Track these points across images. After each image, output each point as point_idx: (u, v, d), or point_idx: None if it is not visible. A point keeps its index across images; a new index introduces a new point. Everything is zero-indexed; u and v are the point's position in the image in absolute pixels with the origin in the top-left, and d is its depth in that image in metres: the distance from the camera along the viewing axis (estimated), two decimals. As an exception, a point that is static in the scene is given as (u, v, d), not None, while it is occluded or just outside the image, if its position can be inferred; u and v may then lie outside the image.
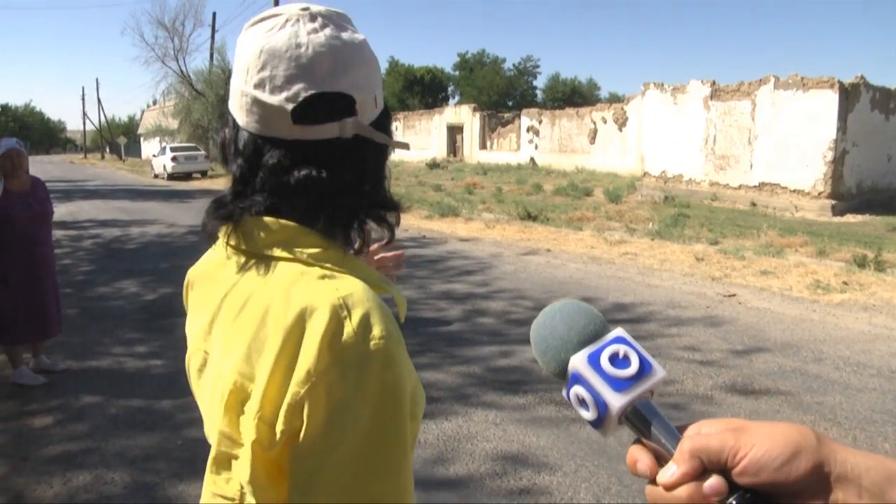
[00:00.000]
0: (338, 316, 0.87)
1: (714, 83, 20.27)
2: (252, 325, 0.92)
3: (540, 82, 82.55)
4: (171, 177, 34.51)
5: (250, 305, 0.94)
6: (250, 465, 0.90)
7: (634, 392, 0.65)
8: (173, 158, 34.48)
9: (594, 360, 0.67)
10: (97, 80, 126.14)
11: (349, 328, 0.86)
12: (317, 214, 0.96)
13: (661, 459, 0.63)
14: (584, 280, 9.12)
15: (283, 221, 0.95)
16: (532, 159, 32.95)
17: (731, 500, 0.58)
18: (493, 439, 4.41)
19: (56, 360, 5.84)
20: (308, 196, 0.95)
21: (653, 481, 0.62)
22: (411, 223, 15.20)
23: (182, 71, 40.10)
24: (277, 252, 0.95)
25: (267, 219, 0.96)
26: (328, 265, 0.94)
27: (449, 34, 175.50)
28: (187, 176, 34.72)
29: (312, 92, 0.94)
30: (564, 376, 0.69)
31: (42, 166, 48.48)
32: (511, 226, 14.26)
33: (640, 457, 0.64)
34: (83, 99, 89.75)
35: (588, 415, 0.67)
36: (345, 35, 0.99)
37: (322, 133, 0.96)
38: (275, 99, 0.95)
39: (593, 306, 0.73)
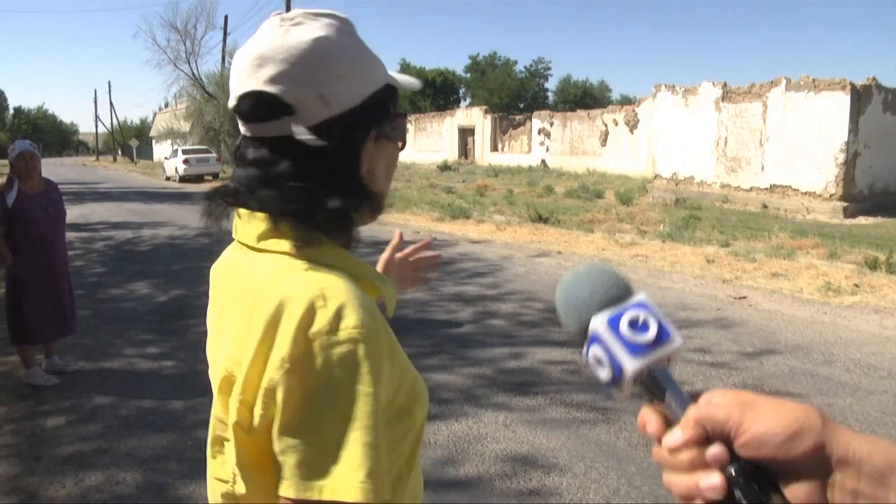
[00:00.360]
0: (313, 306, 0.89)
1: (725, 85, 20.20)
2: (243, 314, 0.96)
3: (551, 84, 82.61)
4: (183, 179, 34.63)
5: (243, 296, 0.99)
6: (235, 448, 0.94)
7: (650, 358, 0.66)
8: (185, 161, 34.59)
9: (614, 324, 0.68)
10: (109, 82, 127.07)
11: (323, 318, 0.88)
12: (309, 210, 0.98)
13: (671, 423, 0.65)
14: (595, 282, 9.11)
15: (275, 217, 0.98)
16: (543, 161, 32.95)
17: (730, 468, 0.59)
18: (502, 440, 4.42)
19: (68, 361, 5.89)
20: (283, 192, 0.98)
21: (661, 443, 0.64)
22: (423, 225, 15.23)
23: (194, 73, 40.29)
24: (270, 245, 0.99)
25: (260, 214, 1.00)
26: (316, 259, 0.97)
27: (460, 36, 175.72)
28: (199, 178, 34.84)
29: (241, 92, 1.00)
30: (585, 336, 0.70)
31: (54, 168, 48.80)
32: (522, 228, 14.26)
33: (650, 419, 0.66)
34: (95, 102, 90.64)
35: (604, 375, 0.68)
36: (291, 33, 1.00)
37: (271, 131, 1.00)
38: (231, 101, 1.04)
39: (618, 271, 0.73)
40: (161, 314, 7.59)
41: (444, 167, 33.92)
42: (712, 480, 0.59)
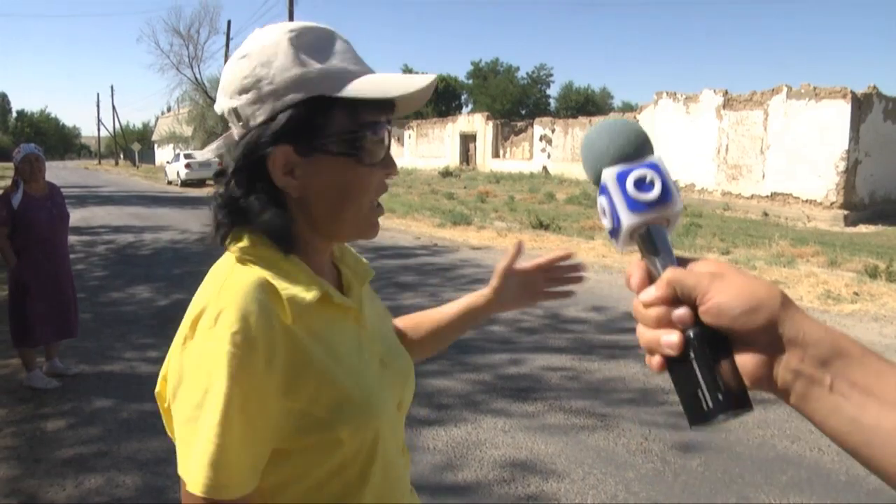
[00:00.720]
0: (205, 303, 0.96)
1: (726, 93, 20.27)
2: None
3: (553, 91, 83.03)
4: (185, 183, 34.68)
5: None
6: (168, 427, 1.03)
7: (648, 216, 0.69)
8: (187, 165, 34.65)
9: (621, 178, 0.71)
10: (112, 86, 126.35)
11: (206, 317, 0.94)
12: (241, 219, 1.04)
13: (654, 281, 0.69)
14: (595, 289, 9.12)
15: (241, 226, 1.04)
16: (545, 168, 32.95)
17: (690, 331, 0.65)
18: (501, 446, 4.43)
19: (69, 365, 5.90)
20: (219, 200, 1.05)
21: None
22: (424, 231, 15.24)
23: (197, 78, 40.42)
24: (230, 245, 1.04)
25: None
26: (252, 261, 1.01)
27: (463, 42, 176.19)
28: (201, 183, 34.87)
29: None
30: (598, 184, 0.74)
31: (56, 172, 48.85)
32: (523, 234, 14.27)
33: (635, 273, 0.71)
34: (98, 105, 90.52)
35: (606, 223, 0.72)
36: (239, 49, 1.06)
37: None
38: None
39: (644, 131, 0.76)
40: (162, 318, 7.59)
41: (446, 173, 33.92)
42: (671, 338, 0.65)
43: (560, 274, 1.49)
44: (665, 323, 0.66)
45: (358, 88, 0.99)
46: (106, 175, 52.78)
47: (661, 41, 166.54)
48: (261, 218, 1.01)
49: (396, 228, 15.52)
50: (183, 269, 10.65)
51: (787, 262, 10.79)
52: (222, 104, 1.04)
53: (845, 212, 17.11)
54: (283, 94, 0.99)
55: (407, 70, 71.44)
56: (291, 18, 32.54)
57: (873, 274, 9.63)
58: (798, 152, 18.05)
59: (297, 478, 1.00)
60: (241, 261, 1.02)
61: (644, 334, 0.68)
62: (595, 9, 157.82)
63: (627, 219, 0.69)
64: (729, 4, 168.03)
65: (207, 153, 1.09)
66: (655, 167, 0.71)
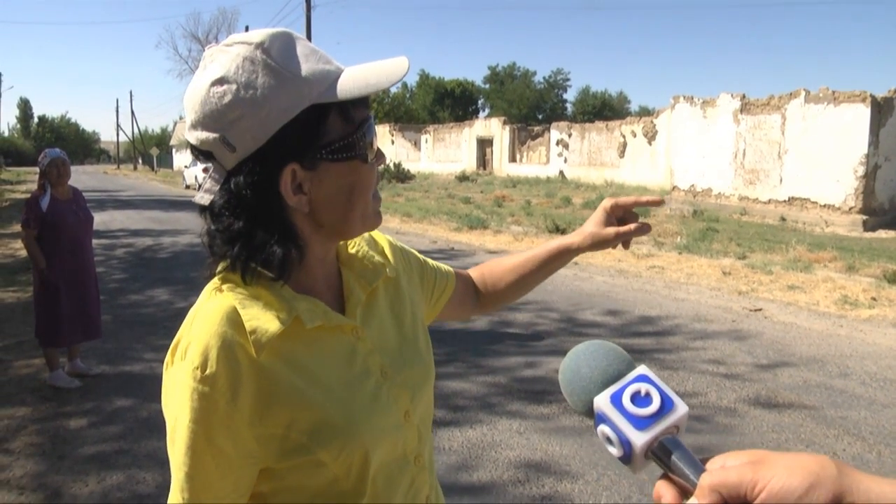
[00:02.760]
0: (181, 333, 1.00)
1: (744, 97, 20.18)
2: None
3: (570, 95, 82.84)
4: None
5: None
6: None
7: (657, 429, 0.67)
8: (205, 170, 34.76)
9: (616, 400, 0.69)
10: (131, 92, 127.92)
11: (178, 351, 0.98)
12: (230, 252, 1.03)
13: (687, 494, 0.64)
14: (611, 293, 9.14)
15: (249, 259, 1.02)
16: (561, 172, 32.94)
17: None
18: (516, 447, 4.47)
19: (90, 365, 6.00)
20: (211, 234, 1.06)
21: None
22: (440, 235, 15.30)
23: (215, 83, 40.64)
24: (217, 270, 1.07)
25: None
26: (232, 289, 1.02)
27: (480, 47, 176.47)
28: (219, 187, 35.07)
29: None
30: (592, 415, 0.72)
31: (76, 176, 49.02)
32: (539, 239, 14.29)
33: (664, 492, 0.66)
34: (117, 111, 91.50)
35: (615, 452, 0.70)
36: (199, 76, 1.01)
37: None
38: None
39: (619, 346, 0.76)
40: (180, 320, 7.65)
41: (463, 177, 33.96)
42: None
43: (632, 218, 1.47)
44: None
45: (347, 89, 0.98)
46: (125, 179, 53.24)
47: (678, 45, 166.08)
48: (268, 250, 0.99)
49: (413, 232, 15.58)
50: (201, 272, 10.72)
51: (804, 267, 10.75)
52: (203, 136, 0.99)
53: (864, 217, 16.98)
54: (276, 112, 0.95)
55: (424, 75, 71.61)
56: (309, 23, 32.73)
57: (892, 279, 9.58)
58: (816, 157, 17.94)
59: (294, 488, 1.03)
60: (218, 289, 1.02)
61: None
62: (612, 13, 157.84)
63: (638, 438, 0.67)
64: (746, 8, 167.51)
65: (204, 198, 1.02)
66: (646, 378, 0.71)
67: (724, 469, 0.62)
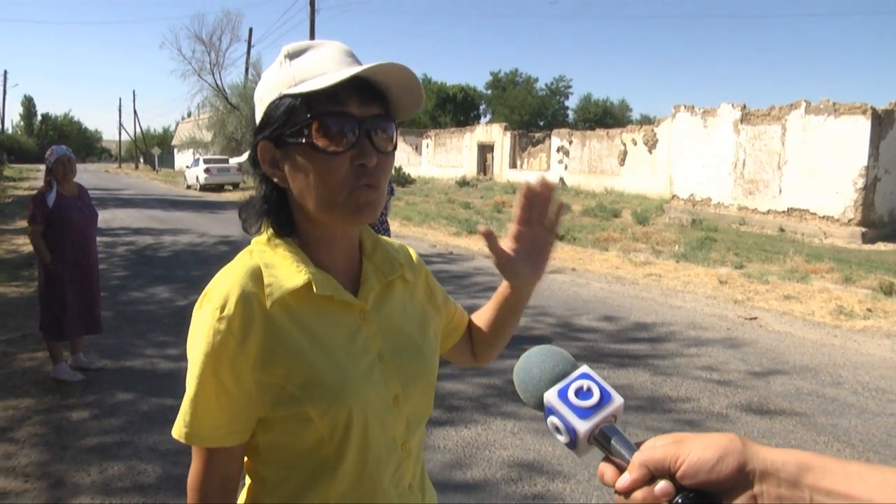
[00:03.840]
0: (211, 282, 1.16)
1: (744, 107, 20.27)
2: None
3: (572, 103, 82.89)
4: (204, 188, 34.98)
5: None
6: None
7: (597, 418, 0.79)
8: (206, 170, 34.92)
9: (563, 395, 0.82)
10: (134, 91, 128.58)
11: (204, 296, 1.14)
12: (255, 216, 1.24)
13: (624, 471, 0.75)
14: (607, 299, 9.22)
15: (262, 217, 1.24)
16: (561, 179, 33.00)
17: (677, 498, 0.70)
18: (510, 447, 4.54)
19: (92, 359, 6.09)
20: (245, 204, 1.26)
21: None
22: (439, 239, 15.36)
23: (218, 84, 40.67)
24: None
25: None
26: (259, 252, 1.20)
27: (482, 53, 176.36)
28: (219, 187, 35.19)
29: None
30: (543, 409, 0.84)
31: (78, 174, 48.93)
32: (537, 244, 14.31)
33: (605, 470, 0.77)
34: (120, 110, 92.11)
35: (563, 439, 0.81)
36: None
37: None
38: None
39: (563, 349, 0.89)
40: (181, 317, 7.75)
41: (463, 183, 34.03)
42: None
43: (544, 212, 1.42)
44: (651, 502, 0.70)
45: (309, 84, 1.11)
46: (126, 178, 53.32)
47: (680, 55, 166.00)
48: (262, 206, 1.20)
49: (412, 236, 15.65)
50: (201, 270, 10.81)
51: (801, 278, 10.83)
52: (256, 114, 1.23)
53: (863, 229, 17.03)
54: (266, 98, 1.17)
55: (426, 80, 71.68)
56: (313, 27, 32.82)
57: (888, 291, 9.64)
58: (816, 168, 18.02)
59: (282, 444, 1.16)
60: (250, 251, 1.20)
61: None
62: (614, 21, 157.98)
63: (581, 426, 0.78)
64: (748, 19, 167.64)
65: (237, 161, 1.29)
66: (587, 376, 0.83)
67: (651, 447, 0.73)
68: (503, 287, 1.47)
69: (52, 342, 5.76)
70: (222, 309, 1.09)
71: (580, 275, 11.11)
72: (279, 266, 1.16)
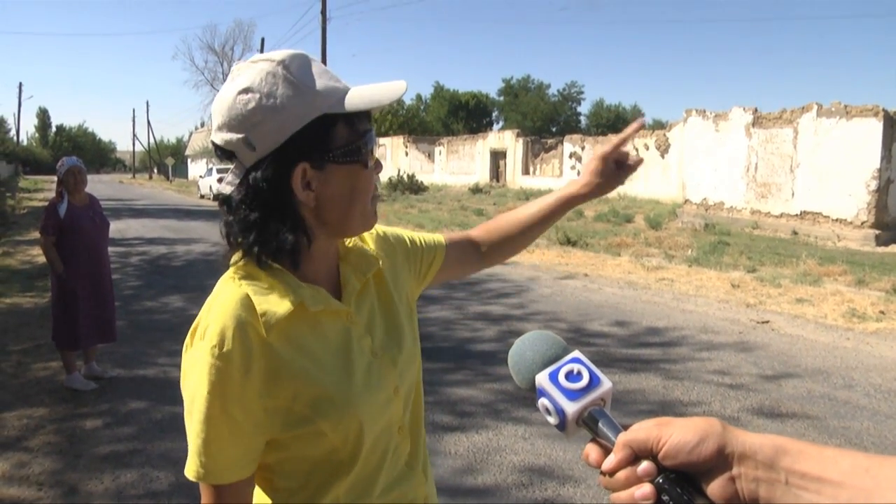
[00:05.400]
0: (199, 317, 1.14)
1: (756, 110, 20.20)
2: None
3: (584, 108, 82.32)
4: (217, 198, 35.13)
5: None
6: None
7: (585, 400, 0.81)
8: (219, 179, 35.00)
9: (553, 377, 0.84)
10: (147, 102, 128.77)
11: (196, 332, 1.13)
12: (249, 240, 1.17)
13: (609, 453, 0.77)
14: (620, 304, 9.21)
15: (261, 247, 1.17)
16: (573, 185, 32.90)
17: (658, 478, 0.72)
18: (521, 452, 4.55)
19: (105, 368, 6.14)
20: (230, 224, 1.20)
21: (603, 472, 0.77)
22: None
23: (230, 94, 40.92)
24: (232, 261, 1.22)
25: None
26: (246, 277, 1.17)
27: (494, 59, 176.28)
28: (233, 197, 35.29)
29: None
30: (534, 390, 0.86)
31: (92, 185, 49.20)
32: (550, 250, 14.36)
33: (591, 452, 0.79)
34: (133, 120, 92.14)
35: (552, 420, 0.83)
36: (227, 86, 1.16)
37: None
38: None
39: (557, 334, 0.91)
40: (194, 326, 7.80)
41: (476, 189, 34.04)
42: (643, 490, 0.72)
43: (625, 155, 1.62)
44: (633, 481, 0.73)
45: (355, 103, 1.13)
46: (140, 189, 53.67)
47: (691, 59, 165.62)
48: (279, 238, 1.13)
49: (424, 243, 15.66)
50: (214, 280, 10.68)
51: (814, 281, 10.77)
52: (228, 137, 1.13)
53: (876, 231, 16.92)
54: (292, 119, 1.10)
55: (438, 87, 71.91)
56: (324, 36, 33.00)
57: (901, 293, 9.58)
58: (828, 171, 17.93)
59: (296, 458, 1.18)
60: (233, 278, 1.17)
61: (619, 497, 0.74)
62: (626, 26, 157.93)
63: (570, 407, 0.81)
64: (759, 22, 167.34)
65: (226, 188, 1.18)
66: (578, 360, 0.85)
67: (634, 429, 0.76)
68: (575, 185, 1.64)
69: (65, 352, 5.82)
70: (221, 346, 1.08)
71: (592, 280, 11.10)
72: (267, 291, 1.14)
